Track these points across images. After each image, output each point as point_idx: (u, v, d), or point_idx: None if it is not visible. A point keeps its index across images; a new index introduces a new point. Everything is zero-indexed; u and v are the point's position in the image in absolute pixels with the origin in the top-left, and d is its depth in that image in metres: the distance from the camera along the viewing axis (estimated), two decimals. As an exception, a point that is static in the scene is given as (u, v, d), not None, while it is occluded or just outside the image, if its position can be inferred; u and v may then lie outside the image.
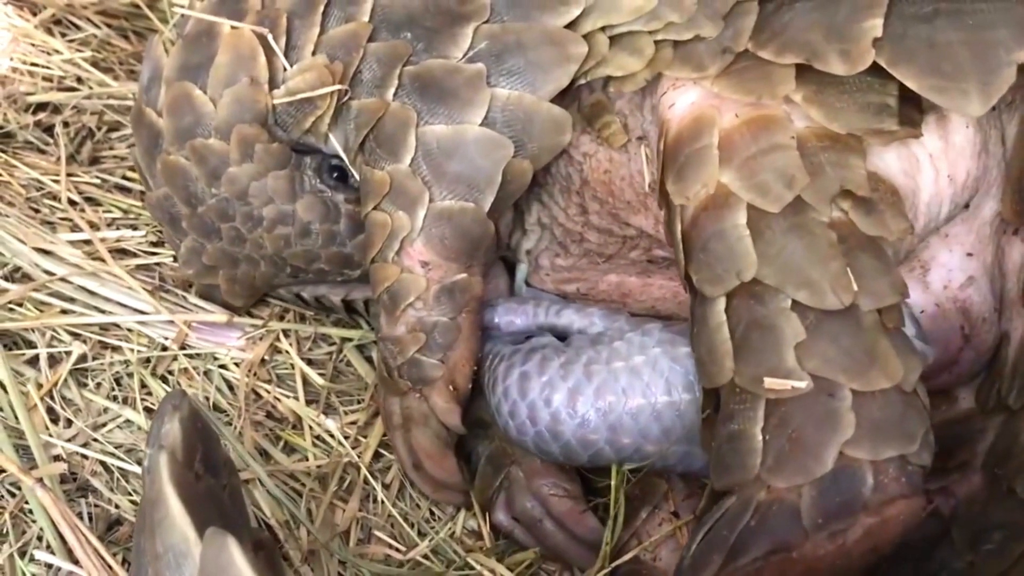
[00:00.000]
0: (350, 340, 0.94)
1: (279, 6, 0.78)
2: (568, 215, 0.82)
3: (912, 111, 0.67)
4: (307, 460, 0.85)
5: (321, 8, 0.77)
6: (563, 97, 0.74)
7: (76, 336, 0.86)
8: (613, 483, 0.72)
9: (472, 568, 0.80)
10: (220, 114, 0.77)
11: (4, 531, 0.72)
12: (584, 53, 0.72)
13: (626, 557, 0.71)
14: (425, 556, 0.81)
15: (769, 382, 0.60)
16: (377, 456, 0.87)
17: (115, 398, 0.84)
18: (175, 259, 0.94)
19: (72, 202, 0.98)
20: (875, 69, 0.65)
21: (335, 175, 0.82)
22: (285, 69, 0.77)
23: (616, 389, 0.72)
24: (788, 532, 0.58)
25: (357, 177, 0.78)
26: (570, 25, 0.72)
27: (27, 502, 0.73)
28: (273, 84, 0.77)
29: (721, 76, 0.68)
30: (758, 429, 0.60)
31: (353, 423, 0.88)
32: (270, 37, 0.76)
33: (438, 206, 0.74)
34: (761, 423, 0.60)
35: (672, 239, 0.69)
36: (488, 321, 0.83)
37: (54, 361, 0.85)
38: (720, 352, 0.63)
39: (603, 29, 0.72)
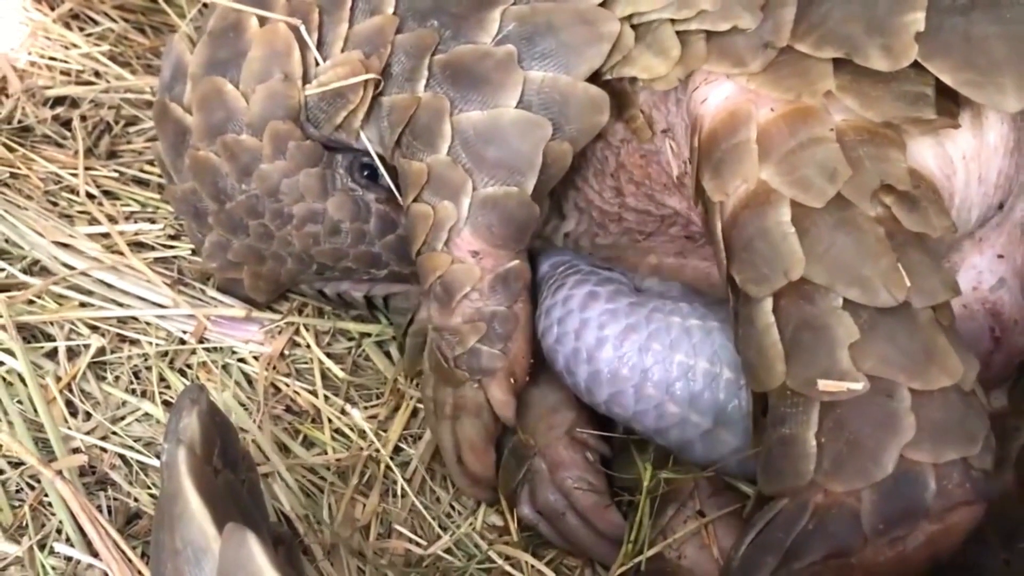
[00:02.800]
0: (368, 335, 0.93)
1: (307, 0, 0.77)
2: (603, 198, 0.81)
3: (949, 102, 0.65)
4: (326, 454, 0.84)
5: (348, 2, 0.76)
6: (594, 82, 0.72)
7: (95, 329, 0.86)
8: (645, 484, 0.71)
9: (494, 562, 0.79)
10: (253, 110, 0.76)
11: (24, 523, 0.72)
12: (617, 31, 0.70)
13: (650, 553, 0.70)
14: (447, 550, 0.80)
15: (823, 384, 0.58)
16: (397, 450, 0.86)
17: (133, 391, 0.84)
18: (193, 252, 0.94)
19: (90, 196, 0.98)
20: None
21: (366, 173, 0.81)
22: (317, 64, 0.76)
23: (665, 340, 0.72)
24: (847, 537, 0.56)
25: (397, 170, 0.77)
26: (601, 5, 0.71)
27: (47, 495, 0.73)
28: (305, 80, 0.76)
29: (755, 73, 0.66)
30: (811, 434, 0.58)
31: (373, 417, 0.88)
32: (303, 30, 0.75)
33: (482, 193, 0.72)
34: (815, 427, 0.58)
35: (712, 237, 0.67)
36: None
37: (73, 354, 0.85)
38: (771, 354, 0.61)
39: (630, 18, 0.70)
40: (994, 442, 0.59)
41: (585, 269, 0.79)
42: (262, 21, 0.77)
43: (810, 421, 0.58)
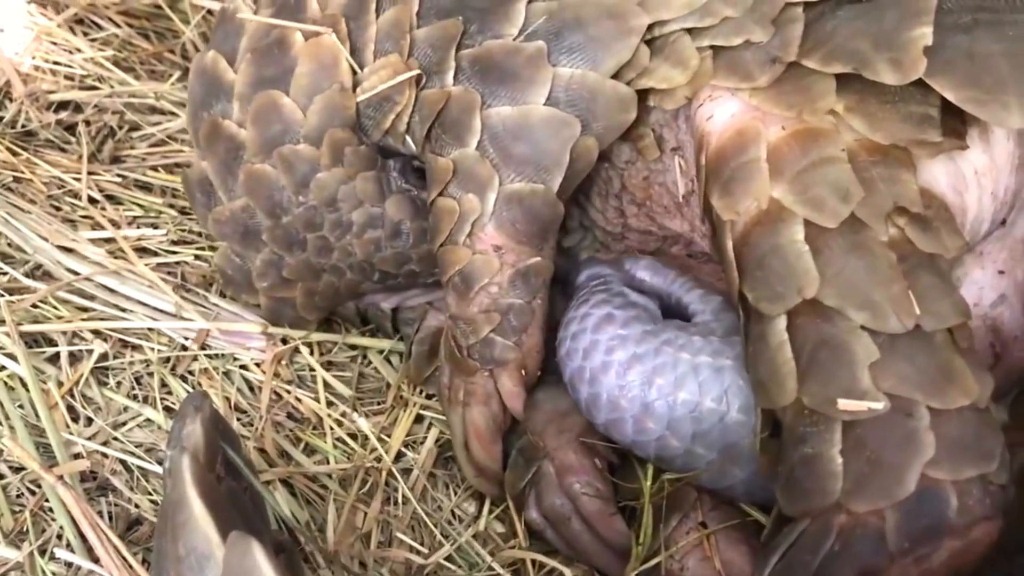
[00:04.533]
0: (371, 349, 0.93)
1: (333, 11, 0.77)
2: (606, 218, 0.82)
3: (956, 122, 0.65)
4: (328, 462, 0.84)
5: (373, 6, 0.76)
6: None
7: (97, 334, 0.86)
8: (647, 488, 0.71)
9: (494, 571, 0.79)
10: (310, 121, 0.76)
11: (24, 529, 0.72)
12: (645, 25, 0.71)
13: (651, 563, 0.70)
14: (448, 558, 0.80)
15: (844, 404, 0.58)
16: (399, 456, 0.86)
17: (135, 397, 0.84)
18: (196, 258, 0.94)
19: (93, 200, 0.98)
20: (915, 80, 0.63)
21: (418, 174, 0.80)
22: (355, 72, 0.76)
23: (670, 376, 0.71)
24: (874, 557, 0.56)
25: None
26: None
27: (47, 500, 0.73)
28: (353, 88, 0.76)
29: (760, 88, 0.66)
30: (836, 451, 0.58)
31: (376, 424, 0.87)
32: (335, 39, 0.76)
33: (508, 189, 0.73)
34: (839, 445, 0.58)
35: (722, 256, 0.67)
36: (630, 268, 0.83)
37: (75, 359, 0.85)
38: (783, 372, 0.61)
39: (650, 29, 0.71)
40: (1008, 458, 0.59)
41: (615, 289, 0.79)
42: (305, 35, 0.77)
43: (833, 439, 0.58)
